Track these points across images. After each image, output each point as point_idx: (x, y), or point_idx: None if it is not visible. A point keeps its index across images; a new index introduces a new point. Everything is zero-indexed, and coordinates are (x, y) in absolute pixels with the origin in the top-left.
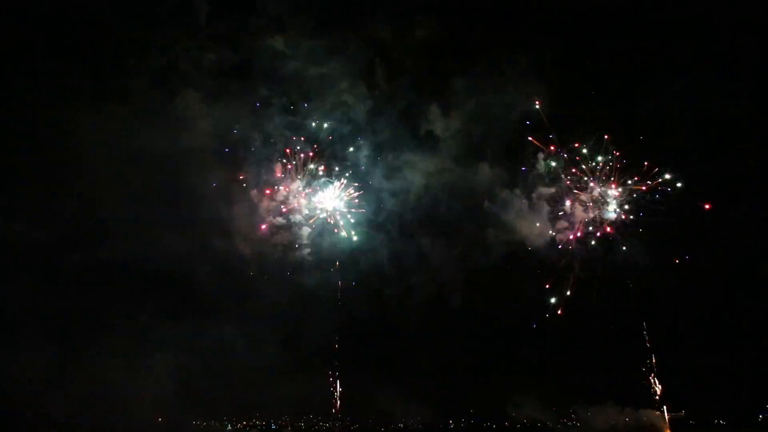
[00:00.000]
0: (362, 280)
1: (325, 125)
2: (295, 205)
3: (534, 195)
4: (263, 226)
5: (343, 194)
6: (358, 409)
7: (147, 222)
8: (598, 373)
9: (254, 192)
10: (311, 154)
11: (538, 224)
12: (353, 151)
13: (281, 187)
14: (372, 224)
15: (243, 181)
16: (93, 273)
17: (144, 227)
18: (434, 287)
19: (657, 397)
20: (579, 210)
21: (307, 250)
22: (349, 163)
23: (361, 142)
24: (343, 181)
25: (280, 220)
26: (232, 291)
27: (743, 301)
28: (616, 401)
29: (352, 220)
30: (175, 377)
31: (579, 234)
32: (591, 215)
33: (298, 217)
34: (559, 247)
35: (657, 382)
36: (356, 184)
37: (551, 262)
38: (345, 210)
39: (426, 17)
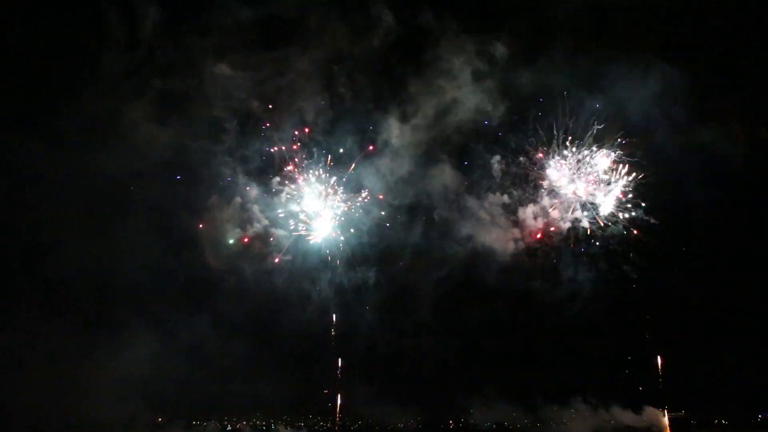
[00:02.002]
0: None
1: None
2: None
3: (486, 203)
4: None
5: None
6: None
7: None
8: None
9: (215, 202)
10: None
11: (491, 232)
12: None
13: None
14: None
15: (203, 195)
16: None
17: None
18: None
19: (661, 397)
20: (530, 218)
21: (281, 257)
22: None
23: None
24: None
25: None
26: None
27: (744, 300)
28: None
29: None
30: (169, 379)
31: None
32: (542, 224)
33: (257, 226)
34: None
35: (661, 381)
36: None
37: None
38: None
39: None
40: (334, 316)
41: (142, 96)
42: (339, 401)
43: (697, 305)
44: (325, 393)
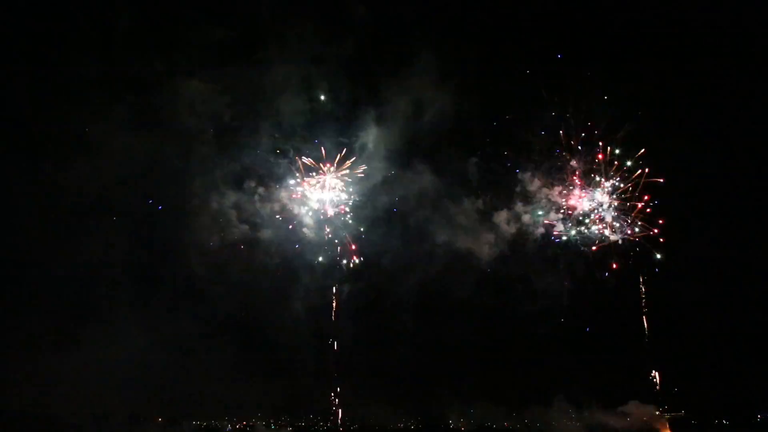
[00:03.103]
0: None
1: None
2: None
3: (462, 208)
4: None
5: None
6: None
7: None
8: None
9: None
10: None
11: (468, 238)
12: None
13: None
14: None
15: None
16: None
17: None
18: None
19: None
20: (503, 223)
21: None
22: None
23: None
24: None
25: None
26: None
27: (744, 300)
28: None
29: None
30: (148, 376)
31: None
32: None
33: (237, 230)
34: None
35: (658, 381)
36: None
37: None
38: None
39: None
40: (336, 317)
41: (118, 106)
42: (338, 400)
43: (696, 306)
44: (324, 394)
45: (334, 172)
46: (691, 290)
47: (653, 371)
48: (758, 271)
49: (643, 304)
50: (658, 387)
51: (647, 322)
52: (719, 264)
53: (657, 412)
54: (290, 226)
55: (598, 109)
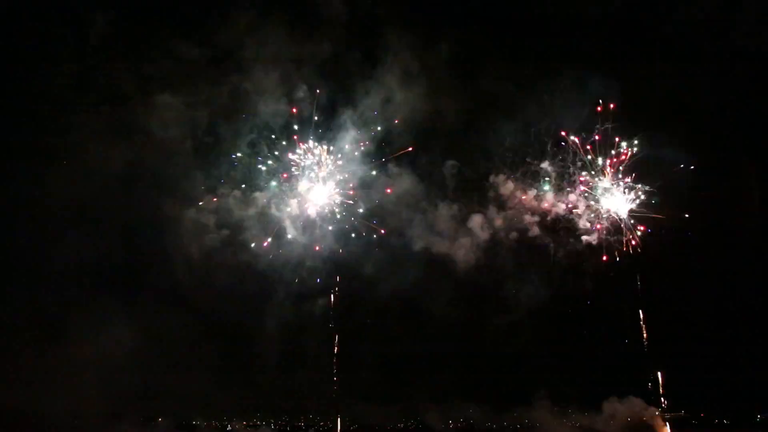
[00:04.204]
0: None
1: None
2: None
3: (438, 212)
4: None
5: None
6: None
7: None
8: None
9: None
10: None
11: (445, 242)
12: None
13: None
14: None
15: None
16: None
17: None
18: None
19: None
20: (478, 229)
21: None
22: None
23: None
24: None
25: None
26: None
27: (744, 300)
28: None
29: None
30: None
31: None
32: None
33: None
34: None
35: (660, 381)
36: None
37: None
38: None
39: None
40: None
41: (97, 114)
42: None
43: (697, 305)
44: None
45: (313, 175)
46: (688, 289)
47: (654, 369)
48: (758, 268)
49: (639, 304)
50: (651, 385)
51: (644, 321)
52: (717, 263)
53: (657, 412)
54: (271, 231)
55: (573, 111)
